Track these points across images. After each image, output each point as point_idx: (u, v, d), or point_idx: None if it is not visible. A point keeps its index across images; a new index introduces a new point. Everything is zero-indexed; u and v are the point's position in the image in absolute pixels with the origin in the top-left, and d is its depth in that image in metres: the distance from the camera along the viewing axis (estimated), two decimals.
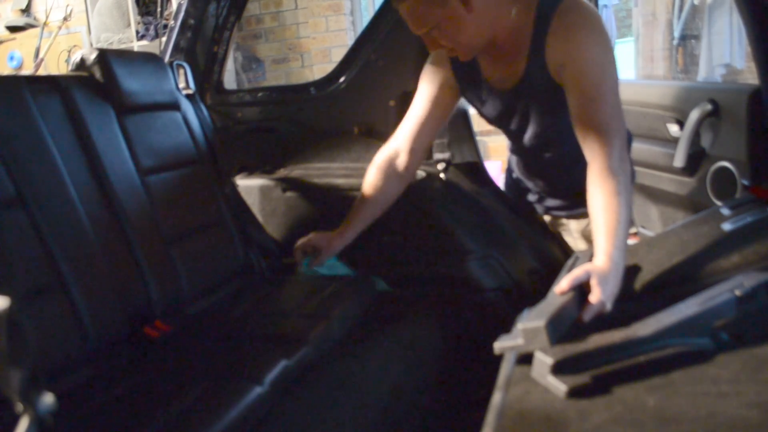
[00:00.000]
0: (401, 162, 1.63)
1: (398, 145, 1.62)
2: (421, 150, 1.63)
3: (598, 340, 0.87)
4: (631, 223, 1.22)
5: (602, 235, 1.12)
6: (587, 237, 1.67)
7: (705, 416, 0.66)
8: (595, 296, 1.00)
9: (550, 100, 1.43)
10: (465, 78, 1.53)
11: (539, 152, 1.60)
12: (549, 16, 1.33)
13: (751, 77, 3.65)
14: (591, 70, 1.28)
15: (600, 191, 1.18)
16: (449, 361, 1.66)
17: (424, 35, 1.33)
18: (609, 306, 1.01)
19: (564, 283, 1.01)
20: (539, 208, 1.78)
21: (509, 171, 1.84)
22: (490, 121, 1.61)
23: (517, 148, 1.67)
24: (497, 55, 1.44)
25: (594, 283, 1.01)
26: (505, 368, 0.87)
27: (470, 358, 1.58)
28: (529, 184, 1.74)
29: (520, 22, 1.36)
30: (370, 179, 1.65)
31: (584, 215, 1.64)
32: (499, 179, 2.01)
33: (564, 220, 1.75)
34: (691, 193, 1.89)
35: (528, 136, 1.55)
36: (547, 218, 1.80)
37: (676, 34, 4.08)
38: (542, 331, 0.86)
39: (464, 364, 1.66)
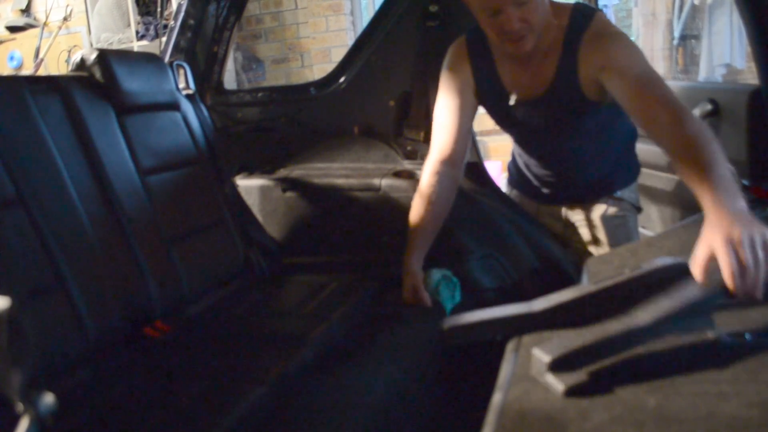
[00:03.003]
0: (448, 171, 1.58)
1: (439, 157, 1.58)
2: (462, 152, 1.59)
3: (596, 331, 0.87)
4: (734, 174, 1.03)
5: (704, 189, 0.96)
6: (606, 221, 1.66)
7: (705, 416, 0.66)
8: (724, 265, 0.81)
9: (574, 111, 1.46)
10: (486, 86, 1.54)
11: (556, 160, 1.60)
12: (581, 29, 1.38)
13: (751, 77, 3.65)
14: (636, 63, 1.32)
15: (685, 155, 1.06)
16: (449, 361, 1.66)
17: (500, 14, 1.30)
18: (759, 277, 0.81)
19: (698, 275, 0.84)
20: (553, 201, 1.77)
21: (516, 168, 1.83)
22: (508, 130, 1.61)
23: (531, 155, 1.67)
24: (524, 62, 1.45)
25: (720, 250, 0.82)
26: (505, 368, 0.87)
27: (470, 359, 1.58)
28: (542, 186, 1.73)
29: (553, 29, 1.40)
30: (427, 200, 1.57)
31: (602, 201, 1.65)
32: (500, 179, 2.01)
33: (579, 209, 1.74)
34: (691, 193, 1.89)
35: (547, 145, 1.56)
36: (562, 210, 1.78)
37: (676, 34, 4.08)
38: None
39: (464, 364, 1.65)
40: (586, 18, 1.39)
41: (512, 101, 1.50)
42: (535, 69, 1.45)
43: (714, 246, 0.84)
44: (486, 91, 1.55)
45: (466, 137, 1.59)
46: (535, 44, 1.37)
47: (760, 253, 0.80)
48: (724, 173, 0.99)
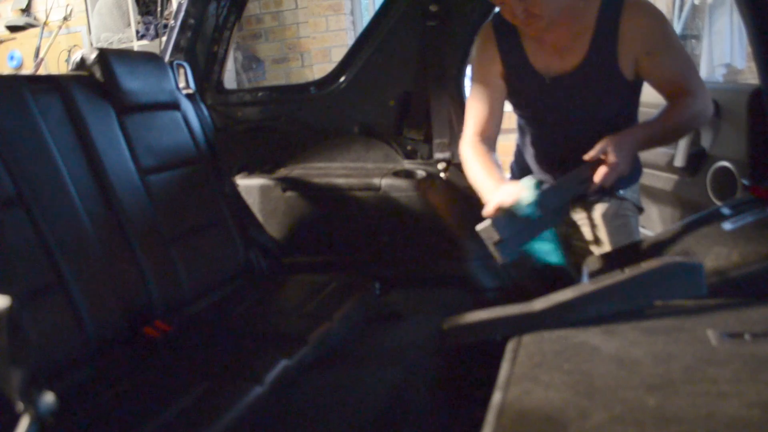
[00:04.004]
0: (485, 143, 1.58)
1: (474, 133, 1.58)
2: (495, 133, 1.60)
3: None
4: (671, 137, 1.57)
5: (644, 125, 1.38)
6: (609, 221, 1.66)
7: (705, 416, 0.66)
8: (610, 157, 1.25)
9: (604, 89, 1.48)
10: (513, 67, 1.55)
11: (572, 147, 1.59)
12: (617, 8, 1.41)
13: (751, 77, 3.65)
14: (679, 53, 1.47)
15: (669, 106, 1.42)
16: (449, 361, 1.66)
17: (504, 4, 1.36)
18: (623, 168, 1.27)
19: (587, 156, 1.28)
20: None
21: (520, 167, 1.82)
22: (530, 111, 1.61)
23: (549, 141, 1.66)
24: (551, 41, 1.47)
25: (609, 148, 1.25)
26: (505, 368, 0.87)
27: (470, 358, 1.58)
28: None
29: (582, 8, 1.42)
30: (480, 153, 1.53)
31: (605, 200, 1.65)
32: None
33: (582, 208, 1.72)
34: (691, 193, 1.89)
35: (566, 128, 1.56)
36: None
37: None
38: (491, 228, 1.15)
39: (464, 364, 1.66)
40: None
41: (543, 78, 1.52)
42: (565, 45, 1.47)
43: (608, 147, 1.30)
44: (514, 72, 1.56)
45: (498, 118, 1.60)
46: (549, 26, 1.40)
47: (622, 167, 1.30)
48: (666, 128, 1.42)
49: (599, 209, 1.69)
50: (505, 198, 1.30)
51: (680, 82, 1.44)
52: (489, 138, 1.59)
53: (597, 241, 1.70)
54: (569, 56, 1.48)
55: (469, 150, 1.57)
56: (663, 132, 1.42)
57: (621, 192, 1.66)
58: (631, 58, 1.44)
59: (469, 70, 1.95)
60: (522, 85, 1.57)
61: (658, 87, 1.48)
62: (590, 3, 1.44)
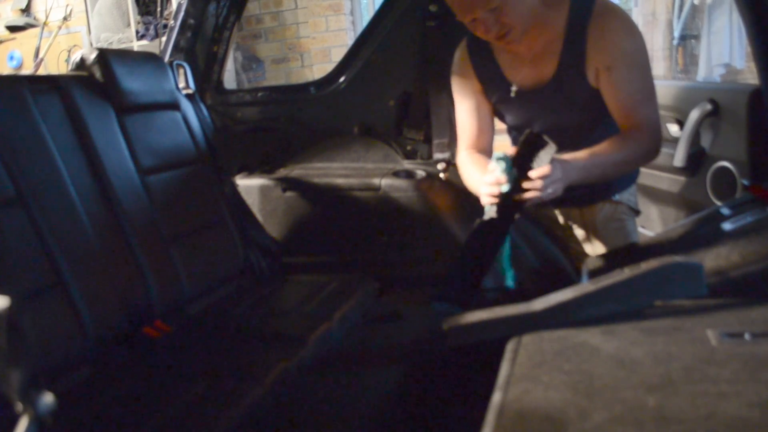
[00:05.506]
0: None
1: (467, 149, 1.60)
2: (488, 146, 1.62)
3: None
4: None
5: (583, 153, 1.33)
6: (604, 225, 1.66)
7: (705, 416, 0.66)
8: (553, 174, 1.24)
9: (579, 99, 1.46)
10: (489, 82, 1.55)
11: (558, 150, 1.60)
12: (585, 17, 1.38)
13: (751, 77, 3.65)
14: (639, 74, 1.39)
15: (613, 140, 1.37)
16: (449, 361, 1.66)
17: (476, 21, 1.33)
18: (553, 190, 1.25)
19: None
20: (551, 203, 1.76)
21: None
22: (512, 124, 1.61)
23: None
24: (524, 53, 1.46)
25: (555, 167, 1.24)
26: (505, 368, 0.87)
27: (470, 358, 1.58)
28: None
29: (551, 18, 1.40)
30: (475, 159, 1.54)
31: (600, 204, 1.64)
32: None
33: (577, 213, 1.73)
34: (691, 193, 1.89)
35: (549, 135, 1.56)
36: (557, 210, 1.78)
37: (676, 33, 4.08)
38: None
39: (464, 364, 1.66)
40: (587, 4, 1.39)
41: (513, 91, 1.51)
42: (537, 55, 1.45)
43: (549, 169, 1.25)
44: (490, 87, 1.55)
45: (489, 132, 1.61)
46: (523, 35, 1.38)
47: (550, 188, 1.26)
48: (605, 160, 1.36)
49: (595, 214, 1.70)
50: (490, 190, 1.34)
51: (632, 109, 1.38)
52: (482, 151, 1.59)
53: (593, 245, 1.70)
54: (542, 67, 1.46)
55: (464, 158, 1.59)
56: (604, 164, 1.36)
57: (616, 196, 1.66)
58: (593, 70, 1.40)
59: None
60: (499, 99, 1.57)
61: (612, 109, 1.43)
62: (560, 10, 1.41)
